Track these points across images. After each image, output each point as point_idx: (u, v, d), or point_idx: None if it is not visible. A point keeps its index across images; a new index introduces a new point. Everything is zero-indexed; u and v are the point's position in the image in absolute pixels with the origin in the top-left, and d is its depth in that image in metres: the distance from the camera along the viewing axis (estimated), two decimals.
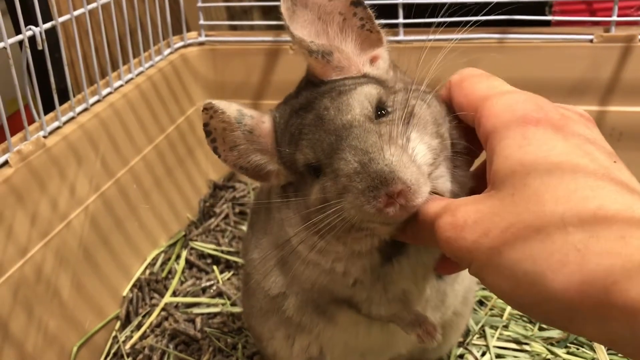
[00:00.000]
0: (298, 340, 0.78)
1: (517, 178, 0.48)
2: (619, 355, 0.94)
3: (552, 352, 0.95)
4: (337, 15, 0.65)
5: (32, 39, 0.94)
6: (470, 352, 0.98)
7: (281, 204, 0.69)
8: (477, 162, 0.66)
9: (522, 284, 0.46)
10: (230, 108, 0.65)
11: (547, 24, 1.32)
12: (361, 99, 0.60)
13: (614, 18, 1.20)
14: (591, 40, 1.22)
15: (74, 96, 1.06)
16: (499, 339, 1.00)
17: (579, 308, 0.43)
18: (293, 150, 0.62)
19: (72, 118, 1.05)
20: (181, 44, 1.39)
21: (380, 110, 0.60)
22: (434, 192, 0.57)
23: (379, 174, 0.53)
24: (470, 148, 0.63)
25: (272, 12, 1.85)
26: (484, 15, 1.24)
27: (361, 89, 0.61)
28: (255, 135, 0.66)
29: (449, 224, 0.51)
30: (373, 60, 0.67)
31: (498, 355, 0.96)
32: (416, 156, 0.57)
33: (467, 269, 0.55)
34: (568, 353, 0.95)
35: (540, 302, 0.45)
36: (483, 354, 0.98)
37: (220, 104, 0.65)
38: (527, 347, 0.97)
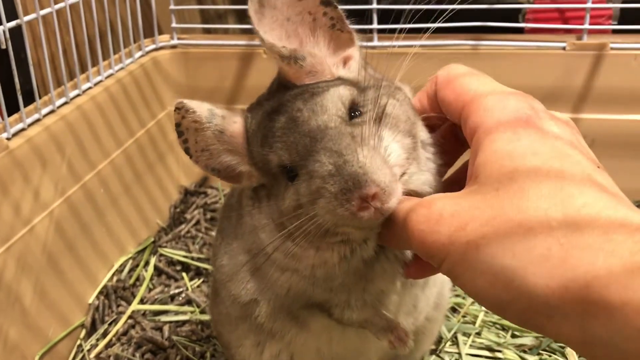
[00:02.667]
0: (268, 348, 0.76)
1: (504, 173, 0.47)
2: None
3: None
4: (307, 16, 0.63)
5: None
6: None
7: (253, 208, 0.68)
8: (450, 172, 0.65)
9: (499, 279, 0.44)
10: (201, 107, 0.64)
11: (520, 31, 1.33)
12: (334, 100, 0.59)
13: (586, 26, 1.21)
14: (564, 48, 1.22)
15: (40, 98, 1.03)
16: (471, 346, 0.99)
17: (559, 304, 0.42)
18: (267, 151, 0.61)
19: (38, 120, 1.02)
20: (153, 46, 1.36)
21: (353, 112, 0.59)
22: (408, 194, 0.56)
23: (353, 176, 0.52)
24: (442, 150, 0.62)
25: (247, 16, 1.83)
26: (458, 22, 1.25)
27: (334, 91, 0.60)
28: (226, 135, 0.65)
29: (423, 217, 0.49)
30: (345, 61, 0.66)
31: None
32: (389, 156, 0.56)
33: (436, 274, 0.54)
34: None
35: (517, 299, 0.44)
36: None
37: (192, 103, 0.63)
38: (499, 355, 0.96)
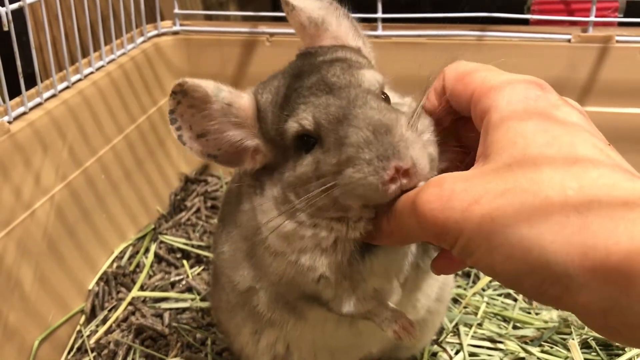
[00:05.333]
0: (265, 337, 0.76)
1: (516, 149, 0.47)
2: (593, 353, 0.93)
3: (526, 351, 0.94)
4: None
5: None
6: (445, 350, 0.96)
7: (253, 192, 0.67)
8: None
9: (516, 250, 0.43)
10: (207, 83, 0.63)
11: (525, 22, 1.32)
12: (373, 78, 0.60)
13: (592, 18, 1.20)
14: (569, 40, 1.22)
15: (42, 81, 1.02)
16: (473, 337, 0.98)
17: (579, 273, 0.41)
18: (286, 115, 0.60)
19: (39, 104, 1.01)
20: (155, 32, 1.35)
21: (383, 95, 0.61)
22: None
23: (394, 145, 0.52)
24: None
25: (249, 4, 1.82)
26: (463, 12, 1.24)
27: (371, 71, 0.61)
28: (234, 108, 0.64)
29: (434, 195, 0.48)
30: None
31: (472, 354, 0.95)
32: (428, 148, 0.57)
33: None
34: (542, 351, 0.94)
35: (535, 270, 0.43)
36: (457, 352, 0.96)
37: (196, 80, 0.63)
38: (501, 346, 0.96)
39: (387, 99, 0.60)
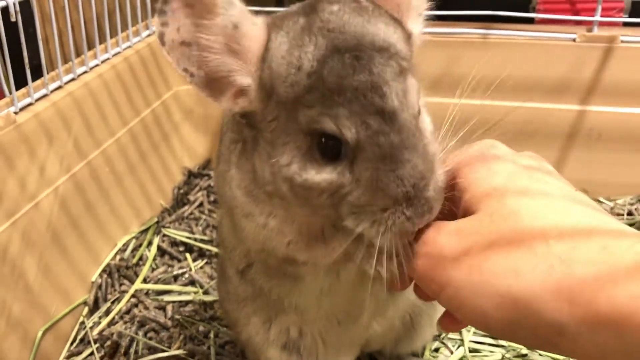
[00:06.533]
0: (276, 324, 0.76)
1: (494, 199, 0.49)
2: None
3: (528, 347, 0.95)
4: None
5: (4, 10, 0.90)
6: (446, 346, 0.97)
7: (231, 152, 0.62)
8: None
9: (505, 299, 0.45)
10: None
11: (530, 21, 1.32)
12: (416, 92, 0.54)
13: (597, 18, 1.21)
14: (574, 40, 1.22)
15: (47, 73, 1.02)
16: (474, 333, 0.99)
17: (568, 320, 0.43)
18: (315, 100, 0.51)
19: (45, 95, 1.01)
20: None
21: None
22: None
23: (429, 202, 0.51)
24: None
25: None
26: (468, 9, 1.24)
27: (413, 79, 0.54)
28: (239, 32, 0.54)
29: (425, 254, 0.51)
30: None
31: (473, 350, 0.96)
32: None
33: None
34: None
35: (526, 317, 0.45)
36: (458, 348, 0.97)
37: None
38: (502, 342, 0.96)
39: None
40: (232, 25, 0.54)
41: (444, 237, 0.51)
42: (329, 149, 0.52)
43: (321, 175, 0.53)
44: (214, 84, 0.55)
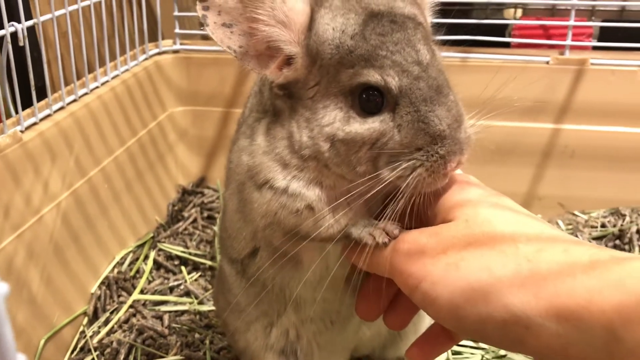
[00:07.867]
0: (277, 327, 0.80)
1: (469, 208, 0.59)
2: None
3: (496, 347, 0.99)
4: None
5: (13, 36, 0.96)
6: None
7: (255, 127, 0.68)
8: None
9: (477, 293, 0.53)
10: None
11: (507, 45, 1.40)
12: (440, 57, 0.64)
13: (569, 42, 1.29)
14: (547, 62, 1.30)
15: (51, 94, 1.08)
16: None
17: (534, 312, 0.50)
18: (361, 55, 0.59)
19: (49, 115, 1.07)
20: (156, 51, 1.42)
21: None
22: None
23: (462, 142, 0.59)
24: None
25: None
26: (448, 35, 1.31)
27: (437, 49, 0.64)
28: (287, 6, 0.60)
29: (404, 252, 0.59)
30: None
31: (455, 352, 1.01)
32: None
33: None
34: None
35: (496, 310, 0.52)
36: None
37: None
38: (483, 345, 1.02)
39: None
40: (281, 0, 0.60)
41: (424, 237, 0.59)
42: (371, 102, 0.59)
43: (365, 126, 0.60)
44: (259, 57, 0.62)
